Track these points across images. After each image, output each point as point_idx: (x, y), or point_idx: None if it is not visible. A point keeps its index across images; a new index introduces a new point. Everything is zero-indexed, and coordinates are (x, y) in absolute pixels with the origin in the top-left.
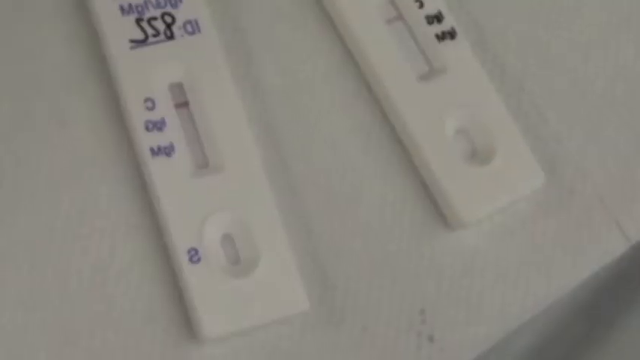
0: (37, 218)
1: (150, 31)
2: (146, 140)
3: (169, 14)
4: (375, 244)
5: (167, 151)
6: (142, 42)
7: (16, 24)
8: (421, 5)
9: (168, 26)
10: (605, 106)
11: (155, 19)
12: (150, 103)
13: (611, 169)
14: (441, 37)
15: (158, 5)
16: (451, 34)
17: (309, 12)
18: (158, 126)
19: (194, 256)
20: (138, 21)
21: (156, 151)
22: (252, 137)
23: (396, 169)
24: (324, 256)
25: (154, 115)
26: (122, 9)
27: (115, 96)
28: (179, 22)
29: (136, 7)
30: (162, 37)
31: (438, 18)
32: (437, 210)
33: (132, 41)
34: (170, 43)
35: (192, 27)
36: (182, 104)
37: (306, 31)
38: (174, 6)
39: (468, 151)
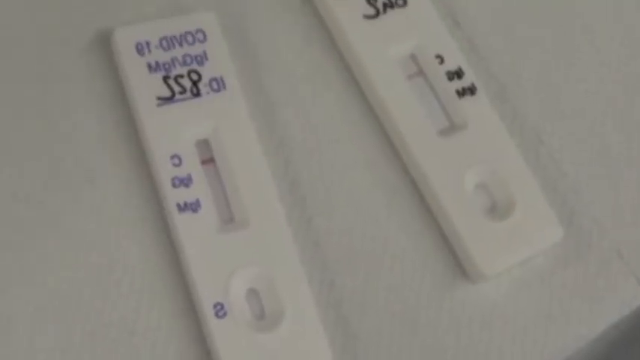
0: (66, 275)
1: (177, 88)
2: (173, 196)
3: (196, 72)
4: (396, 296)
5: (193, 207)
6: (169, 99)
7: (48, 83)
8: (442, 61)
9: (195, 84)
10: (623, 160)
11: (182, 76)
12: (176, 160)
13: (628, 221)
14: (462, 92)
15: (185, 63)
16: (471, 90)
17: (333, 68)
18: (185, 182)
19: (220, 310)
20: (165, 79)
21: (182, 207)
22: (276, 193)
23: (417, 222)
24: (346, 307)
25: (181, 172)
26: (150, 67)
27: (142, 153)
28: (205, 80)
29: (163, 64)
30: (188, 94)
31: (458, 74)
32: (457, 263)
33: (159, 98)
34: (196, 100)
35: (218, 84)
36: (208, 160)
37: (329, 87)
38: (201, 63)
39: (487, 205)
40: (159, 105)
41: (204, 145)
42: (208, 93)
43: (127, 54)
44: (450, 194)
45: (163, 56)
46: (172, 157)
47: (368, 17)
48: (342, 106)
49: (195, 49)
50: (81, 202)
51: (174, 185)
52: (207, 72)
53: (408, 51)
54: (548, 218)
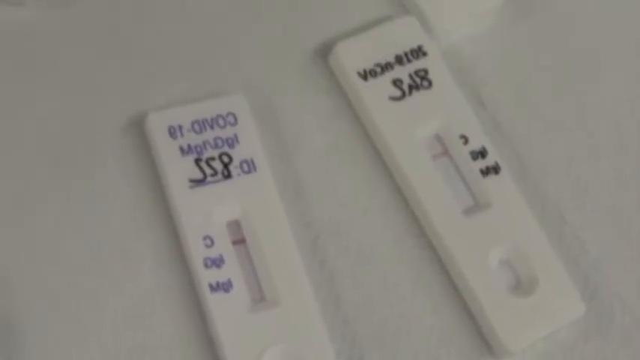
0: (101, 351)
1: (208, 170)
2: (205, 277)
3: (227, 154)
4: None
5: (225, 286)
6: (201, 181)
7: (84, 166)
8: (466, 141)
9: (226, 166)
10: None
11: (213, 159)
12: (208, 241)
13: None
14: (486, 172)
15: (216, 146)
16: (495, 169)
17: (360, 147)
18: (217, 263)
19: None
20: (197, 161)
21: (214, 287)
22: (305, 271)
23: (442, 298)
24: None
25: (213, 253)
26: (182, 150)
27: (175, 233)
28: (236, 162)
29: (195, 147)
30: (219, 176)
31: (482, 154)
32: (482, 339)
33: (191, 181)
34: (227, 182)
35: (249, 166)
36: (239, 241)
37: (356, 166)
38: (231, 146)
39: (511, 281)
40: (191, 187)
41: (234, 225)
42: (239, 175)
43: (160, 138)
44: (475, 271)
45: (195, 139)
46: (204, 238)
47: (394, 99)
48: (369, 184)
49: (227, 132)
50: (116, 281)
51: (206, 266)
52: (237, 154)
53: (433, 131)
54: (571, 294)
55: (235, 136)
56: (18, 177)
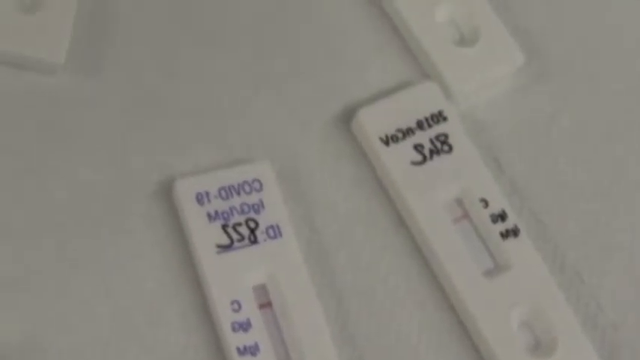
0: None
1: (235, 236)
2: (233, 340)
3: (253, 220)
4: None
5: (252, 350)
6: (228, 247)
7: (112, 231)
8: (486, 205)
9: (252, 231)
10: None
11: (240, 224)
12: (236, 305)
13: None
14: (505, 234)
15: (242, 211)
16: (514, 232)
17: (382, 212)
18: (244, 327)
19: None
20: (224, 227)
21: (242, 351)
22: (329, 333)
23: None
24: None
25: (240, 317)
26: (209, 216)
27: (203, 297)
28: (262, 227)
29: (222, 213)
30: (246, 241)
31: (502, 217)
32: None
33: (218, 246)
34: (254, 247)
35: (274, 231)
36: (265, 305)
37: (378, 230)
38: (257, 212)
39: (531, 343)
40: (218, 252)
41: (261, 289)
42: (265, 240)
43: (188, 204)
44: (495, 333)
45: (222, 205)
46: (232, 302)
47: (415, 164)
48: (391, 247)
49: (252, 198)
50: (145, 344)
51: (233, 329)
52: (263, 220)
53: (453, 195)
54: (589, 354)
55: (261, 201)
56: (48, 242)
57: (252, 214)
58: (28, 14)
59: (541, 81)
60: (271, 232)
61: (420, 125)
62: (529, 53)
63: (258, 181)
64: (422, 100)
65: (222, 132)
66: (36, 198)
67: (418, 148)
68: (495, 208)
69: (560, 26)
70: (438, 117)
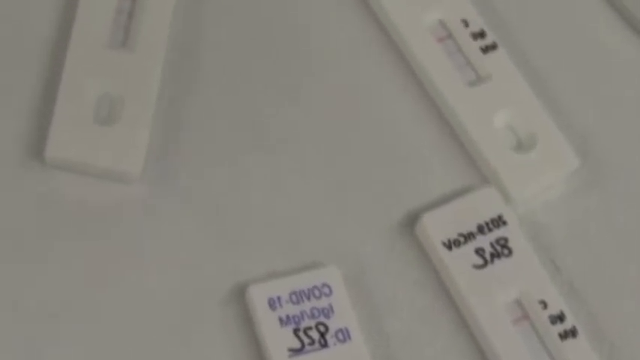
0: None
1: (306, 340)
2: None
3: (323, 324)
4: None
5: None
6: (299, 350)
7: (187, 334)
8: (545, 306)
9: (322, 335)
10: None
11: (310, 328)
12: None
13: None
14: (564, 335)
15: (313, 316)
16: (573, 333)
17: (445, 314)
18: None
19: None
20: (295, 331)
21: None
22: None
23: None
24: None
25: None
26: (281, 320)
27: None
28: (332, 331)
29: (293, 318)
30: (317, 345)
31: (560, 318)
32: None
33: (290, 350)
34: (324, 351)
35: (344, 335)
36: None
37: (441, 332)
38: (327, 316)
39: None
40: (290, 356)
41: None
42: (335, 344)
43: (261, 309)
44: None
45: (293, 310)
46: None
47: (477, 267)
48: (454, 348)
49: (322, 303)
50: None
51: None
52: (333, 324)
53: (513, 297)
54: None
55: (330, 306)
56: (122, 350)
57: (322, 319)
58: (106, 126)
59: (595, 182)
60: (340, 335)
61: (480, 229)
62: (583, 155)
63: (328, 285)
64: (482, 205)
65: (292, 238)
66: (111, 306)
67: (479, 252)
68: (554, 309)
69: (612, 128)
70: (498, 221)
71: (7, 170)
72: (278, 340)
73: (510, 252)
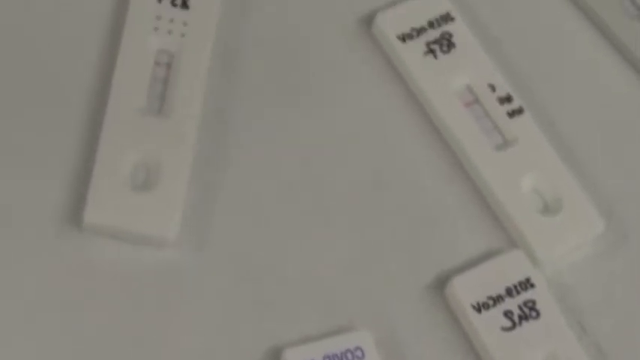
0: None
1: None
2: None
3: None
4: None
5: None
6: None
7: None
8: None
9: None
10: None
11: None
12: None
13: None
14: None
15: None
16: None
17: None
18: None
19: None
20: None
21: None
22: None
23: None
24: None
25: None
26: None
27: None
28: None
29: None
30: None
31: None
32: None
33: None
34: None
35: None
36: None
37: None
38: None
39: None
40: None
41: None
42: None
43: None
44: None
45: None
46: None
47: (505, 329)
48: None
49: None
50: None
51: None
52: None
53: (540, 359)
54: None
55: None
56: None
57: None
58: (142, 192)
59: (620, 244)
60: None
61: (509, 292)
62: (608, 217)
63: (360, 349)
64: (510, 268)
65: (324, 300)
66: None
67: (508, 314)
68: None
69: (637, 191)
70: (526, 284)
71: (44, 235)
72: None
73: (538, 314)
